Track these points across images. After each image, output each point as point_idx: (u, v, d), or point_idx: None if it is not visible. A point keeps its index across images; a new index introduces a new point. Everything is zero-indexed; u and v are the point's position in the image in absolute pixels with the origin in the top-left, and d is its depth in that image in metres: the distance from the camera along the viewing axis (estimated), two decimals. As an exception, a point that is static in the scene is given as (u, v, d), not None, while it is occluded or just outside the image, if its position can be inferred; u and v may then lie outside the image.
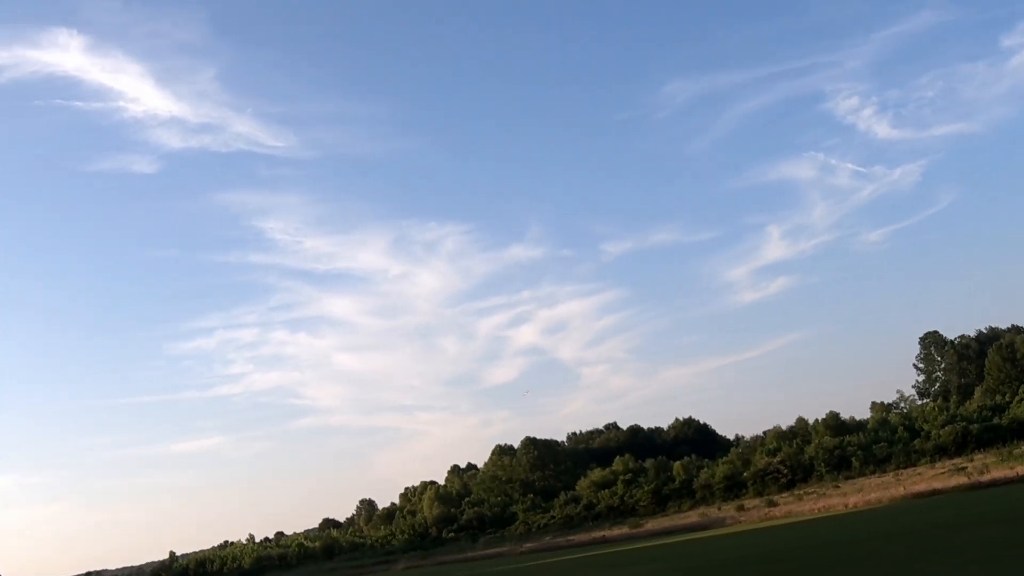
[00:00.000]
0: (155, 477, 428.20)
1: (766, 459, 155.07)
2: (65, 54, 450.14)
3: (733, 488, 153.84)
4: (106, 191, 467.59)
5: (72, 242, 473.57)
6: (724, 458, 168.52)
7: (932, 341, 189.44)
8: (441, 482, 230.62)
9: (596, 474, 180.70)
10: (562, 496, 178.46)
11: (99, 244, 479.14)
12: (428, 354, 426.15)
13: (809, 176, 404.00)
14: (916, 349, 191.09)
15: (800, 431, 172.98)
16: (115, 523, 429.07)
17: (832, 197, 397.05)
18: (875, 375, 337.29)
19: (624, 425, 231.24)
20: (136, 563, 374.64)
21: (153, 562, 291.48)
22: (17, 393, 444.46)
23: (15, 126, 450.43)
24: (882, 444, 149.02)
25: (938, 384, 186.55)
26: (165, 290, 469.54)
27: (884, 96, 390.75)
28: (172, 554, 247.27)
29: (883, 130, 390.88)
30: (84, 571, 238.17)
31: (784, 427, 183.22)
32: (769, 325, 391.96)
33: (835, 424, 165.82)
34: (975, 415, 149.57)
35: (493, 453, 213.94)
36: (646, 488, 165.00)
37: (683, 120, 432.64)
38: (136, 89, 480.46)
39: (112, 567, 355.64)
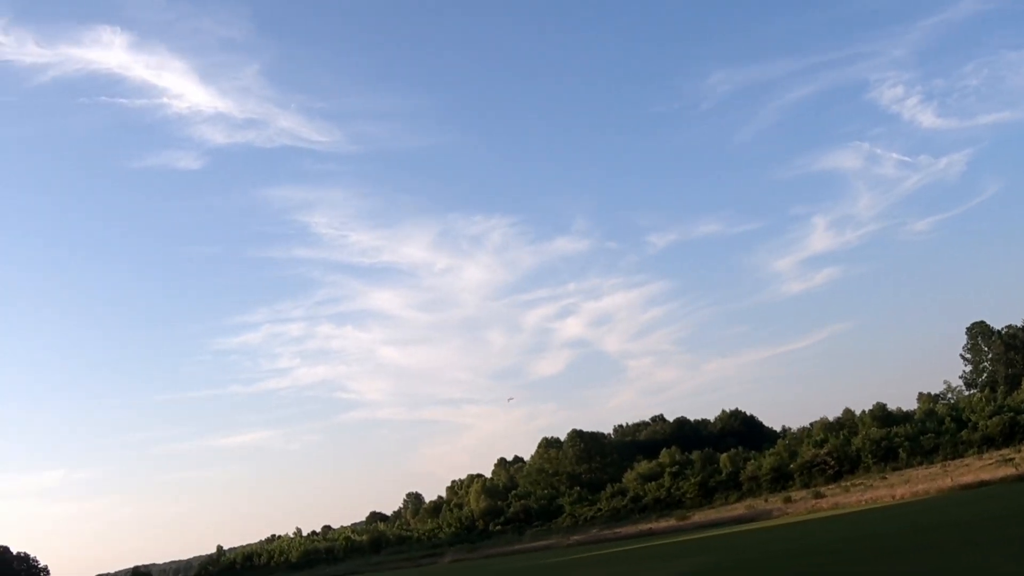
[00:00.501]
0: (202, 471, 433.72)
1: (813, 451, 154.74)
2: (109, 52, 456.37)
3: (780, 480, 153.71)
4: (151, 188, 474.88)
5: (118, 239, 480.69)
6: (771, 450, 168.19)
7: (979, 331, 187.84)
8: (488, 475, 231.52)
9: (643, 466, 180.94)
10: (609, 488, 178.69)
11: (145, 241, 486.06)
12: (474, 347, 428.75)
13: (854, 166, 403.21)
14: (963, 339, 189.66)
15: (847, 422, 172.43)
16: (162, 517, 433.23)
17: (878, 187, 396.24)
18: (922, 365, 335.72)
19: (670, 417, 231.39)
20: (184, 557, 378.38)
21: (200, 556, 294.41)
22: (64, 389, 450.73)
23: (61, 124, 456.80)
24: (929, 435, 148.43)
25: (985, 374, 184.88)
26: (211, 286, 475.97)
27: (929, 85, 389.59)
28: (219, 548, 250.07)
29: (928, 119, 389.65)
30: (131, 565, 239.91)
31: (831, 418, 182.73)
32: (815, 316, 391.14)
33: (882, 415, 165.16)
34: (1023, 405, 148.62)
35: (540, 446, 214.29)
36: (693, 480, 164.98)
37: (727, 111, 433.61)
38: (180, 85, 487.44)
39: (160, 561, 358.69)
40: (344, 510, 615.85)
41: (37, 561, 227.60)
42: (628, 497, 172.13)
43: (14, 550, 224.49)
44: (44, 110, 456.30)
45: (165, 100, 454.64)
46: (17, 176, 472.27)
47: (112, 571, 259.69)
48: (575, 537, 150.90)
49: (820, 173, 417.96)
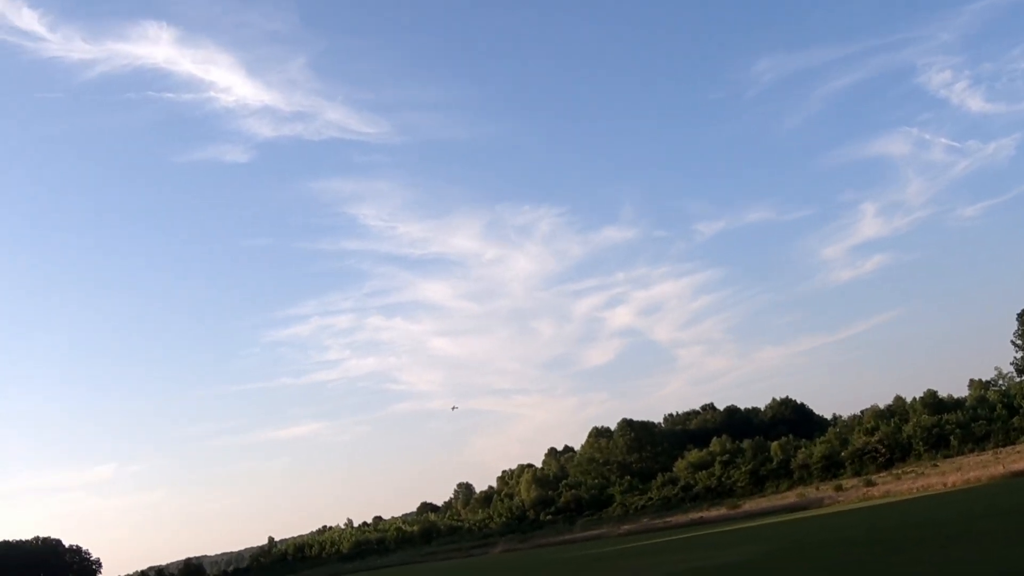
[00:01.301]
0: (253, 464, 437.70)
1: (864, 438, 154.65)
2: (155, 46, 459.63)
3: (831, 468, 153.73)
4: (200, 182, 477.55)
5: (167, 233, 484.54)
6: (822, 438, 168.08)
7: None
8: (538, 465, 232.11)
9: (693, 455, 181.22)
10: (659, 478, 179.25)
11: (193, 234, 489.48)
12: (523, 337, 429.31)
13: (903, 152, 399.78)
14: (1013, 325, 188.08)
15: (898, 410, 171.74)
16: (214, 510, 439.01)
17: (927, 172, 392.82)
18: (972, 352, 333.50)
19: (721, 406, 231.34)
20: (235, 549, 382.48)
21: (252, 548, 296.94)
22: (115, 383, 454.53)
23: (108, 120, 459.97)
24: (981, 422, 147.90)
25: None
26: (260, 279, 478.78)
27: (977, 69, 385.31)
28: (271, 540, 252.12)
29: (977, 104, 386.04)
30: (183, 558, 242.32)
31: (882, 406, 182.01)
32: (865, 303, 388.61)
33: (933, 402, 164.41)
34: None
35: (590, 435, 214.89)
36: (743, 469, 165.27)
37: (775, 98, 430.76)
38: (227, 79, 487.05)
39: (211, 553, 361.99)
40: (395, 501, 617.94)
41: (89, 554, 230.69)
42: (679, 486, 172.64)
43: (67, 543, 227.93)
44: (91, 106, 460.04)
45: (212, 94, 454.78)
46: (66, 173, 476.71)
47: (164, 563, 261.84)
48: (626, 527, 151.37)
49: (869, 159, 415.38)
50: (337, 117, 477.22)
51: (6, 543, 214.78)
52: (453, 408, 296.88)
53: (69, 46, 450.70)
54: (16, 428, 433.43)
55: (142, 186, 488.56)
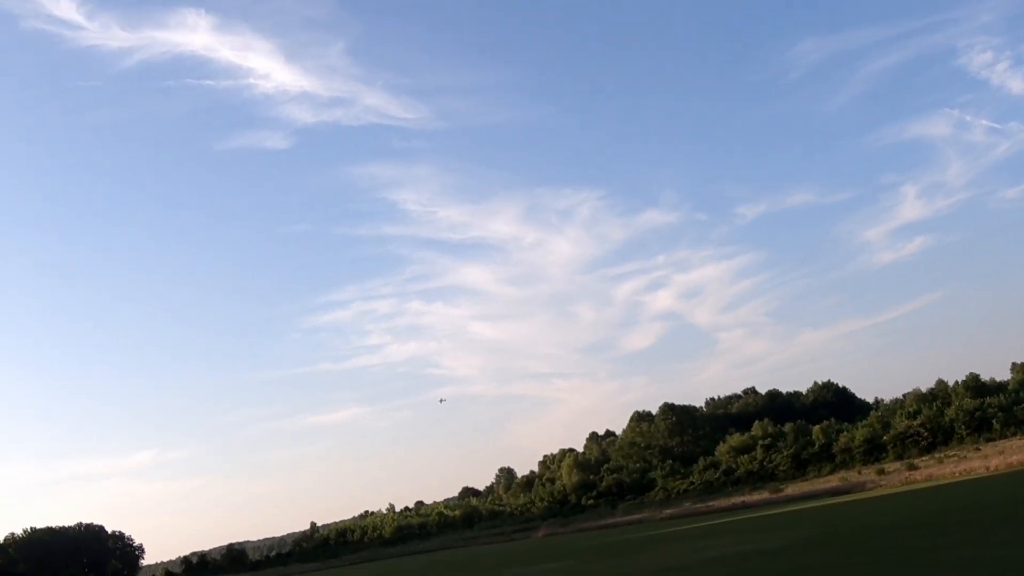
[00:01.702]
0: (295, 449, 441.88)
1: (906, 422, 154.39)
2: (194, 34, 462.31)
3: (873, 452, 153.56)
4: (240, 168, 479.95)
5: (208, 220, 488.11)
6: (863, 421, 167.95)
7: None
8: (580, 449, 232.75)
9: (735, 439, 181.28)
10: (701, 462, 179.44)
11: (234, 221, 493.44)
12: (564, 321, 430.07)
13: (944, 133, 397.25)
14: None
15: (940, 393, 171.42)
16: (256, 495, 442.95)
17: (968, 154, 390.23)
18: (1015, 335, 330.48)
19: (762, 389, 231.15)
20: (278, 534, 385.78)
21: (294, 533, 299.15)
22: (156, 369, 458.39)
23: (148, 107, 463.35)
24: (1023, 405, 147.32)
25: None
26: (301, 264, 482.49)
27: (1018, 50, 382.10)
28: (313, 525, 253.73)
29: (1017, 85, 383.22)
30: (226, 543, 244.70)
31: (924, 389, 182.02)
32: (907, 286, 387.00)
33: (975, 385, 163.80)
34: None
35: (631, 419, 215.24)
36: (785, 453, 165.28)
37: (815, 80, 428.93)
38: (265, 66, 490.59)
39: (254, 539, 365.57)
40: (437, 486, 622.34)
41: (132, 540, 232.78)
42: (720, 470, 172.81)
43: (109, 530, 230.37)
44: (131, 94, 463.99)
45: (251, 81, 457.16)
46: (106, 162, 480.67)
47: (206, 549, 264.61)
48: (668, 511, 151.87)
49: (909, 141, 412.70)
50: (376, 102, 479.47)
51: (49, 530, 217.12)
52: (441, 401, 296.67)
53: (107, 34, 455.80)
54: (58, 417, 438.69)
55: (183, 174, 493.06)
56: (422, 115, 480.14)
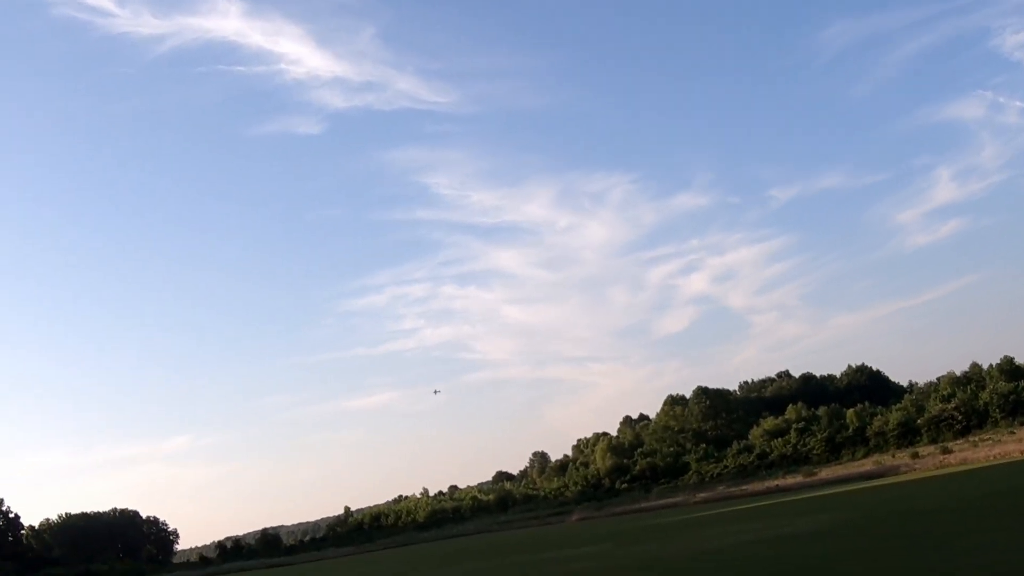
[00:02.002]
0: (329, 434, 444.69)
1: (940, 405, 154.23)
2: (224, 20, 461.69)
3: (907, 435, 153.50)
4: (272, 154, 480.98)
5: (240, 206, 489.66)
6: (897, 405, 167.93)
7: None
8: (613, 433, 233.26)
9: (769, 423, 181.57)
10: (735, 445, 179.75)
11: (267, 207, 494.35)
12: (597, 305, 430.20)
13: (977, 115, 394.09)
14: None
15: (974, 376, 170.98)
16: (290, 480, 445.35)
17: (1002, 136, 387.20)
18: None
19: (796, 373, 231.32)
20: (312, 519, 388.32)
21: (329, 518, 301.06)
22: (191, 355, 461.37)
23: (179, 94, 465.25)
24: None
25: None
26: (334, 249, 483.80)
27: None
28: (347, 509, 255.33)
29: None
30: (260, 528, 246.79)
31: (958, 372, 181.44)
32: (941, 269, 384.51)
33: (1010, 368, 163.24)
34: None
35: (665, 403, 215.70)
36: (819, 436, 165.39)
37: (848, 62, 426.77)
38: (296, 51, 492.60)
39: (288, 524, 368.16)
40: (470, 470, 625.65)
41: (166, 525, 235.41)
42: (754, 454, 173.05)
43: (144, 515, 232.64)
44: (163, 81, 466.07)
45: (283, 66, 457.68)
46: (138, 149, 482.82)
47: (241, 534, 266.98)
48: (702, 494, 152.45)
49: (943, 124, 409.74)
50: (407, 87, 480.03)
51: (84, 515, 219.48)
52: (435, 392, 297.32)
53: (138, 21, 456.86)
54: (93, 403, 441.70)
55: (215, 160, 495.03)
56: (454, 99, 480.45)
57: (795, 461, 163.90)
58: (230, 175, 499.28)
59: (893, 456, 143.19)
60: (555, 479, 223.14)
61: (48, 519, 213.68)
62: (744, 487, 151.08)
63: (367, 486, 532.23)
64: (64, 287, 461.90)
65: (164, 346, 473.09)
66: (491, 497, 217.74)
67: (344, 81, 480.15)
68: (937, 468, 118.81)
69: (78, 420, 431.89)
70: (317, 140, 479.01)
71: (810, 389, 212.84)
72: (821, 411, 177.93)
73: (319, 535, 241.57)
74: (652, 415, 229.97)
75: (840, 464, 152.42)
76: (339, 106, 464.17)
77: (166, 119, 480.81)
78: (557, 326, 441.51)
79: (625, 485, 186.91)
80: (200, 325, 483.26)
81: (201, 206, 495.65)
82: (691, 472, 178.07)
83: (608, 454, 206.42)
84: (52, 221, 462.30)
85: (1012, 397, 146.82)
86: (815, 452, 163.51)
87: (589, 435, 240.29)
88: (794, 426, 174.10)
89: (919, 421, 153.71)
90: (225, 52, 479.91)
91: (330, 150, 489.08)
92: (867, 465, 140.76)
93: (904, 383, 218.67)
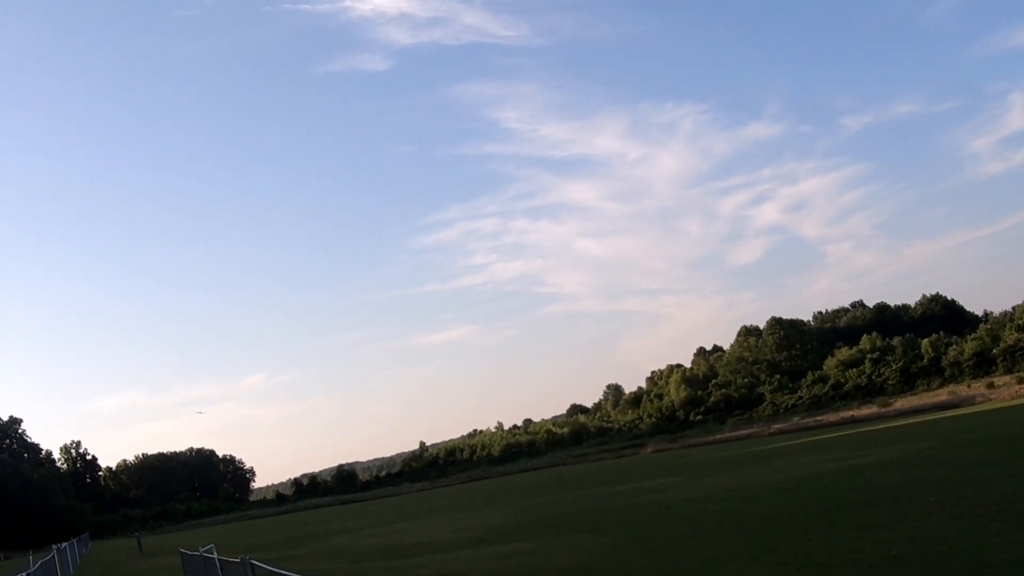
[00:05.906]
0: (403, 370, 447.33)
1: (1016, 335, 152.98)
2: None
3: (982, 365, 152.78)
4: (340, 92, 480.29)
5: (309, 144, 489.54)
6: (973, 335, 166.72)
7: None
8: (687, 365, 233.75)
9: (843, 353, 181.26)
10: (809, 376, 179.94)
11: (335, 144, 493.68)
12: (670, 237, 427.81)
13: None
14: None
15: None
16: (365, 417, 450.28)
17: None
18: None
19: (870, 303, 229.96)
20: (387, 455, 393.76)
21: (404, 453, 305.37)
22: (266, 294, 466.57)
23: (245, 34, 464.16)
24: None
25: None
26: (404, 185, 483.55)
27: None
28: (422, 444, 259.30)
29: None
30: (335, 464, 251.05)
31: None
32: (1017, 196, 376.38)
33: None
34: None
35: (739, 334, 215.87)
36: (894, 366, 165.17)
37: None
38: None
39: (363, 460, 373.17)
40: (545, 403, 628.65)
41: (243, 463, 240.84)
42: (829, 384, 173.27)
43: (220, 453, 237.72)
44: (228, 22, 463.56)
45: (348, 3, 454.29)
46: (205, 91, 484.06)
47: (317, 471, 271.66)
48: (776, 426, 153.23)
49: (1017, 48, 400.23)
50: (475, 21, 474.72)
51: (161, 455, 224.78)
52: (198, 412, 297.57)
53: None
54: (168, 343, 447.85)
55: (282, 100, 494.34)
56: (522, 32, 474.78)
57: (869, 392, 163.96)
58: (298, 114, 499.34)
59: (968, 386, 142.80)
60: (629, 412, 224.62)
61: (125, 460, 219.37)
62: (819, 418, 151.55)
63: (442, 421, 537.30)
64: (137, 230, 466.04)
65: (238, 285, 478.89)
66: (565, 430, 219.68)
67: (410, 17, 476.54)
68: (1013, 398, 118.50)
69: (154, 360, 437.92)
70: (385, 77, 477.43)
71: (884, 319, 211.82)
72: (896, 341, 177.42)
73: (394, 470, 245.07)
74: (726, 346, 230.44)
75: (915, 395, 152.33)
76: (406, 42, 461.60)
77: (234, 60, 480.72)
78: (630, 258, 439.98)
79: (699, 417, 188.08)
80: (274, 263, 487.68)
81: (271, 146, 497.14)
82: (765, 403, 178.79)
83: (682, 386, 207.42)
84: (124, 163, 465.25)
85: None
86: (890, 382, 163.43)
87: (663, 367, 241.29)
88: (868, 356, 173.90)
89: (995, 351, 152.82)
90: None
91: (398, 86, 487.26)
92: (942, 395, 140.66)
93: (979, 312, 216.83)
